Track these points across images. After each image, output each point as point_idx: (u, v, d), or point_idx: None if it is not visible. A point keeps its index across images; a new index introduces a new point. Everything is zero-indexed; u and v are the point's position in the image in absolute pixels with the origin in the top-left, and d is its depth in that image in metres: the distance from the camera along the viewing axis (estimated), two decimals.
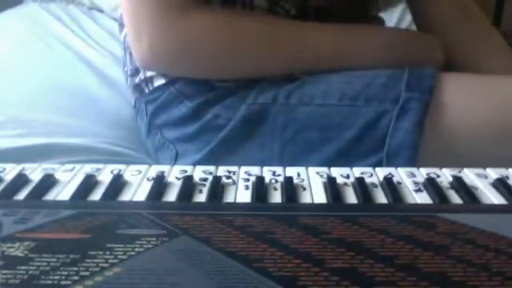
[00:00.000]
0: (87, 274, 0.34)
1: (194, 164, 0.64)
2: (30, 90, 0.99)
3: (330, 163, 0.66)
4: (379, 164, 0.66)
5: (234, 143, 0.72)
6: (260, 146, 0.71)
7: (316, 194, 0.46)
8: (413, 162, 0.65)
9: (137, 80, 0.81)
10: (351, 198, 0.46)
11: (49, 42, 1.18)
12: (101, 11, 1.39)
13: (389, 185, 0.48)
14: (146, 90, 0.80)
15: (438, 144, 0.67)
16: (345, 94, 0.69)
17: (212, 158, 0.73)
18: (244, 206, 0.45)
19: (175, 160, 0.78)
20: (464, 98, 0.68)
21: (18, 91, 0.98)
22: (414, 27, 1.25)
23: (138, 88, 0.82)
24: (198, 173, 0.50)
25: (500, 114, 0.67)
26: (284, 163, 0.69)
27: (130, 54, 0.79)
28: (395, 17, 1.28)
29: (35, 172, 0.50)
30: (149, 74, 0.79)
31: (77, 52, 1.14)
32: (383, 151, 0.67)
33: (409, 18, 1.30)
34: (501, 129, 0.66)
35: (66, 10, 1.35)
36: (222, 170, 0.51)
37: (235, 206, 0.45)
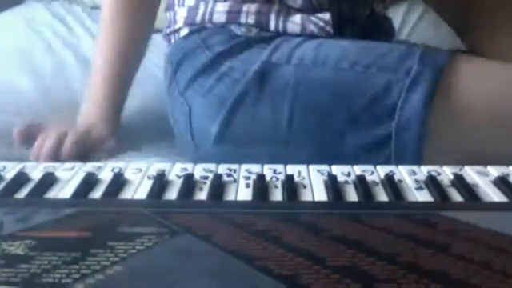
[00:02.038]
0: (88, 272, 0.34)
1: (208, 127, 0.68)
2: (30, 89, 0.99)
3: (338, 130, 0.66)
4: (388, 137, 0.67)
5: (247, 104, 0.72)
6: (270, 105, 0.71)
7: (317, 192, 0.46)
8: (422, 135, 0.66)
9: (168, 31, 0.85)
10: (352, 195, 0.46)
11: (50, 41, 1.18)
12: None
13: (390, 183, 0.47)
14: (173, 40, 0.83)
15: (447, 123, 0.68)
16: (359, 60, 0.70)
17: (225, 125, 0.73)
18: (245, 204, 0.45)
19: (189, 117, 0.77)
20: (475, 80, 0.70)
21: (18, 91, 0.98)
22: (418, 27, 1.25)
23: (167, 37, 0.86)
24: (199, 171, 0.50)
25: (509, 98, 0.68)
26: (293, 127, 0.70)
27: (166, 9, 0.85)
28: (399, 16, 1.28)
29: (36, 170, 0.50)
30: (177, 26, 0.82)
31: (78, 51, 1.14)
32: (393, 122, 0.67)
33: (413, 18, 1.30)
34: (509, 113, 0.67)
35: (68, 10, 1.35)
36: (222, 168, 0.51)
37: (236, 204, 0.45)
